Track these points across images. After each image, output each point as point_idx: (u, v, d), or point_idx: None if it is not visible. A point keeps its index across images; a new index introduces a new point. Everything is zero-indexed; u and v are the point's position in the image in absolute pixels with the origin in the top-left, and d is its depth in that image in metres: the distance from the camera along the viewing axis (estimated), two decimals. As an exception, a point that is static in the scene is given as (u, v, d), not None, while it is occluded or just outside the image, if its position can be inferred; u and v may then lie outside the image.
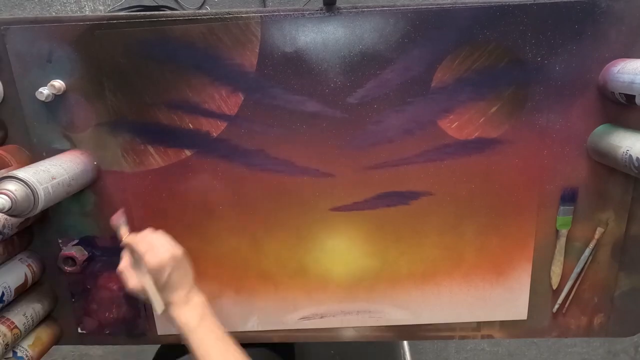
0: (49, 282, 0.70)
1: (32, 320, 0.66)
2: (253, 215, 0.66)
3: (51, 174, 0.54)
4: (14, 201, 0.48)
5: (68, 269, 0.66)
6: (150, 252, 0.54)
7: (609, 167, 0.62)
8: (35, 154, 0.63)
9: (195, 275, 0.70)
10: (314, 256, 0.68)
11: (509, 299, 0.70)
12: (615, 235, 0.67)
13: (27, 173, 0.51)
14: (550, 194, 0.65)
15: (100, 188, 0.65)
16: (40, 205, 0.51)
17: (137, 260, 0.55)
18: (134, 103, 0.61)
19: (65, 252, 0.66)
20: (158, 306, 0.54)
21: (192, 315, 0.55)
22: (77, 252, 0.66)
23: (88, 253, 0.67)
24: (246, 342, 0.73)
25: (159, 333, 0.72)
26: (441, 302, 0.70)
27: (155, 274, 0.54)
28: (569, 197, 0.65)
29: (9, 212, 0.48)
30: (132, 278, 0.55)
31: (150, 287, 0.54)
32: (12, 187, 0.49)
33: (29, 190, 0.50)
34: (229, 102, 0.61)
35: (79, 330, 0.72)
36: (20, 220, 0.60)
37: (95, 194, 0.65)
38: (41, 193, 0.51)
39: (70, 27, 0.58)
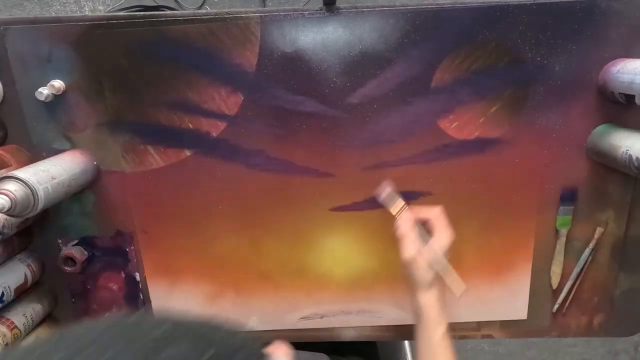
0: (49, 282, 0.70)
1: (32, 320, 0.66)
2: (253, 215, 0.66)
3: (51, 174, 0.54)
4: (13, 201, 0.48)
5: (68, 269, 0.66)
6: (446, 230, 0.53)
7: (609, 167, 0.62)
8: (35, 154, 0.63)
9: (196, 275, 0.70)
10: (313, 256, 0.68)
11: (508, 299, 0.70)
12: (615, 235, 0.67)
13: (27, 173, 0.51)
14: (550, 193, 0.65)
15: (100, 188, 0.65)
16: (40, 206, 0.51)
17: (422, 235, 0.54)
18: (133, 103, 0.61)
19: (66, 252, 0.66)
20: (459, 286, 0.52)
21: (445, 315, 0.54)
22: (77, 252, 0.66)
23: (88, 253, 0.67)
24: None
25: (158, 333, 0.72)
26: (441, 302, 0.70)
27: (446, 253, 0.53)
28: (568, 197, 0.65)
29: (9, 212, 0.48)
30: (413, 247, 0.54)
31: (447, 265, 0.52)
32: (12, 187, 0.49)
33: (29, 190, 0.50)
34: (228, 102, 0.61)
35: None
36: (20, 220, 0.60)
37: (95, 194, 0.65)
38: (41, 193, 0.51)
39: (70, 27, 0.58)
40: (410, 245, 0.54)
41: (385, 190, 0.59)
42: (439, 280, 0.54)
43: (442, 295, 0.55)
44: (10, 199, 0.48)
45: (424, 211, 0.56)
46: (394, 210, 0.57)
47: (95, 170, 0.64)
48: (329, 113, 0.61)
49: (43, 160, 0.58)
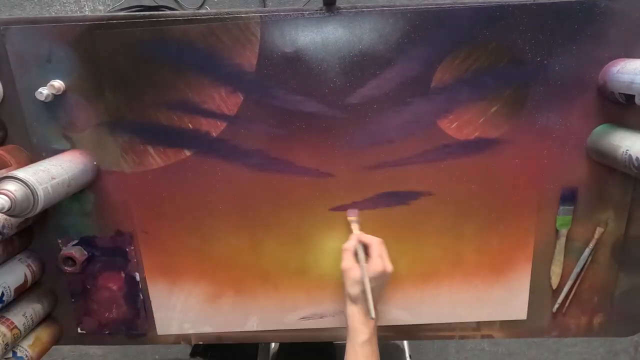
0: (49, 282, 0.70)
1: (32, 321, 0.66)
2: (253, 215, 0.66)
3: (51, 174, 0.54)
4: (13, 201, 0.48)
5: (68, 269, 0.66)
6: (381, 259, 0.60)
7: (609, 167, 0.62)
8: (35, 154, 0.63)
9: (195, 275, 0.70)
10: (313, 256, 0.68)
11: (508, 299, 0.70)
12: (615, 235, 0.67)
13: (27, 173, 0.51)
14: (550, 193, 0.65)
15: (100, 188, 0.65)
16: (40, 206, 0.51)
17: (359, 257, 0.61)
18: (133, 103, 0.61)
19: (65, 252, 0.66)
20: (372, 309, 0.57)
21: (367, 326, 0.59)
22: (76, 252, 0.66)
23: (88, 253, 0.67)
24: (246, 342, 0.74)
25: (158, 333, 0.72)
26: (441, 302, 0.70)
27: (374, 279, 0.59)
28: (568, 197, 0.65)
29: (9, 212, 0.48)
30: (350, 261, 0.61)
31: (368, 287, 0.58)
32: (12, 187, 0.49)
33: (29, 190, 0.50)
34: (228, 102, 0.61)
35: (79, 330, 0.72)
36: (20, 220, 0.60)
37: (95, 194, 0.65)
38: (41, 193, 0.51)
39: (69, 27, 0.58)
40: (347, 259, 0.61)
41: (353, 215, 0.65)
42: (363, 295, 0.59)
43: (365, 309, 0.59)
44: (10, 199, 0.48)
45: (368, 237, 0.62)
46: (354, 230, 0.64)
47: (95, 170, 0.64)
48: (328, 113, 0.61)
49: (43, 160, 0.58)
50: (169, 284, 0.70)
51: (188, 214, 0.66)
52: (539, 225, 0.66)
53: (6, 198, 0.48)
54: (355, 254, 0.61)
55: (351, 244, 0.62)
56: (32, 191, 0.50)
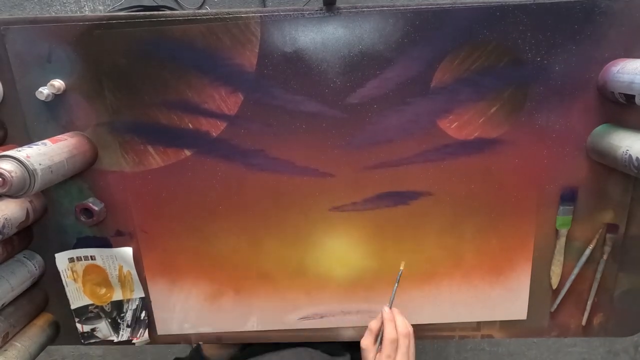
0: (49, 282, 0.70)
1: (31, 320, 0.66)
2: (253, 215, 0.66)
3: (48, 155, 0.53)
4: (9, 182, 0.48)
5: (86, 220, 0.65)
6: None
7: (609, 167, 0.62)
8: (35, 154, 0.63)
9: (195, 275, 0.70)
10: (313, 256, 0.68)
11: (508, 299, 0.70)
12: (615, 235, 0.67)
13: (24, 153, 0.51)
14: (550, 193, 0.65)
15: (100, 188, 0.65)
16: (37, 186, 0.51)
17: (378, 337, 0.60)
18: (133, 103, 0.61)
19: (81, 205, 0.64)
20: None
21: None
22: (92, 203, 0.64)
23: (102, 203, 0.66)
24: (246, 342, 0.74)
25: (158, 333, 0.72)
26: (441, 302, 0.70)
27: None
28: (568, 197, 0.65)
29: (6, 192, 0.48)
30: (368, 341, 0.59)
31: None
32: (9, 166, 0.48)
33: (25, 171, 0.49)
34: (228, 102, 0.61)
35: (79, 330, 0.72)
36: (20, 220, 0.60)
37: (95, 194, 0.65)
38: (38, 173, 0.50)
39: (69, 27, 0.58)
40: (367, 337, 0.60)
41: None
42: None
43: None
44: (7, 180, 0.48)
45: (400, 322, 0.60)
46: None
47: (94, 153, 0.63)
48: (328, 113, 0.61)
49: (41, 141, 0.57)
50: (169, 284, 0.70)
51: (188, 214, 0.66)
52: (539, 225, 0.66)
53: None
54: (377, 335, 0.60)
55: (376, 325, 0.60)
56: (29, 171, 0.50)
